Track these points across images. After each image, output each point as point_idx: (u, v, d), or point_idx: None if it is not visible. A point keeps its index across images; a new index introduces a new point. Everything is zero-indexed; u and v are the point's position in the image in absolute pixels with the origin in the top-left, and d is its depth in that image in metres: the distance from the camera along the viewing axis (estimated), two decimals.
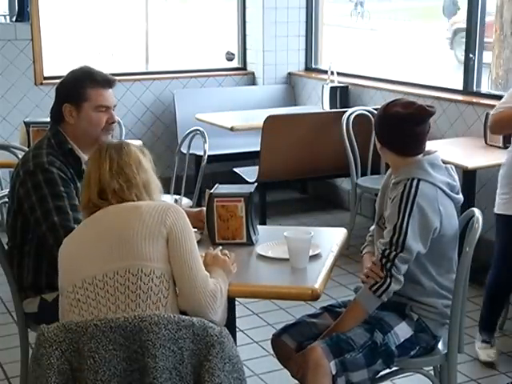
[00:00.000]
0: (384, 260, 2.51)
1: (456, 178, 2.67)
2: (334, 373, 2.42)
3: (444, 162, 2.71)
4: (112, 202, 2.22)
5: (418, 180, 2.54)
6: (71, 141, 2.78)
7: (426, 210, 2.51)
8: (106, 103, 2.76)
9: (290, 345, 2.65)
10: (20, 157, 4.47)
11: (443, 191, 2.58)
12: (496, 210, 3.54)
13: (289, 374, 2.67)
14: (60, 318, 2.17)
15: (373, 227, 2.79)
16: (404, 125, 2.58)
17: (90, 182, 2.27)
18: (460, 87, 5.16)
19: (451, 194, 2.61)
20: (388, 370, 2.67)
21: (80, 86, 2.75)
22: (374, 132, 2.76)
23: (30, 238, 2.71)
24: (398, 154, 2.64)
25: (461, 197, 2.67)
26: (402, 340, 2.58)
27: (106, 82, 2.79)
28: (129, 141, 2.48)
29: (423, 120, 2.59)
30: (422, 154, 2.63)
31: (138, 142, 3.90)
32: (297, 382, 2.61)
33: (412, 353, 2.62)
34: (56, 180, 2.64)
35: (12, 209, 2.75)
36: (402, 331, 2.58)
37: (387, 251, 2.51)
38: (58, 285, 2.62)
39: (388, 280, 2.50)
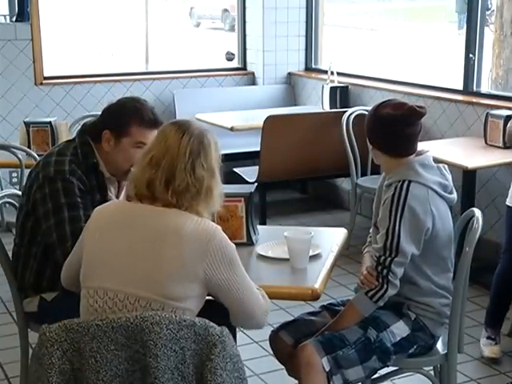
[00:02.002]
0: (380, 267, 2.51)
1: (449, 177, 2.66)
2: (327, 369, 2.42)
3: (444, 162, 2.71)
4: (162, 196, 2.10)
5: (409, 182, 2.53)
6: (98, 157, 2.73)
7: (417, 211, 2.51)
8: (146, 141, 2.64)
9: (286, 341, 2.65)
10: (20, 157, 4.50)
11: (435, 191, 2.57)
12: (507, 202, 3.54)
13: (290, 375, 2.67)
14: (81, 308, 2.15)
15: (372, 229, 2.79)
16: (395, 126, 2.58)
17: (161, 165, 2.12)
18: (460, 87, 5.16)
19: (443, 193, 2.60)
20: (388, 370, 2.67)
21: (126, 122, 2.68)
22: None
23: (39, 241, 2.70)
24: (389, 156, 2.63)
25: (454, 196, 2.66)
26: (398, 339, 2.57)
27: (153, 124, 2.68)
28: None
29: (414, 121, 2.59)
30: (413, 155, 2.63)
31: None
32: (295, 380, 2.61)
33: (410, 351, 2.61)
34: (74, 190, 2.61)
35: (25, 208, 2.72)
36: (399, 330, 2.58)
37: (382, 257, 2.51)
38: (58, 286, 2.63)
39: (385, 286, 2.50)
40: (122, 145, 2.69)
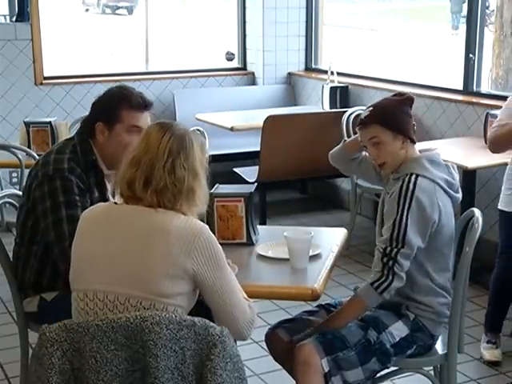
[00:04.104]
0: (386, 258, 2.49)
1: (456, 176, 2.66)
2: (326, 370, 2.41)
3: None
4: (143, 196, 2.09)
5: (417, 175, 2.55)
6: (97, 153, 2.74)
7: (424, 203, 2.51)
8: (138, 124, 2.68)
9: (283, 338, 2.65)
10: (20, 157, 4.50)
11: (441, 187, 2.58)
12: (499, 206, 3.54)
13: (289, 374, 2.67)
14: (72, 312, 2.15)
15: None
16: (407, 108, 2.64)
17: (141, 165, 2.11)
18: (460, 87, 5.17)
19: (449, 191, 2.61)
20: (388, 370, 2.67)
21: (115, 108, 2.69)
22: (373, 130, 2.62)
23: (39, 240, 2.70)
24: (403, 142, 2.60)
25: (459, 195, 2.66)
26: (397, 339, 2.57)
27: (142, 106, 2.71)
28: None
29: (412, 103, 2.68)
30: (419, 150, 2.65)
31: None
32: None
33: (409, 352, 2.61)
34: (73, 188, 2.62)
35: (25, 207, 2.73)
36: (398, 330, 2.58)
37: (388, 248, 2.50)
38: (58, 286, 2.64)
39: (390, 277, 2.48)
40: (116, 131, 2.70)
